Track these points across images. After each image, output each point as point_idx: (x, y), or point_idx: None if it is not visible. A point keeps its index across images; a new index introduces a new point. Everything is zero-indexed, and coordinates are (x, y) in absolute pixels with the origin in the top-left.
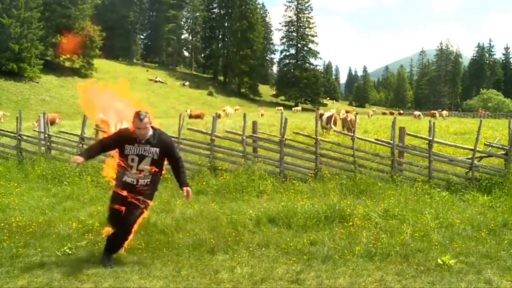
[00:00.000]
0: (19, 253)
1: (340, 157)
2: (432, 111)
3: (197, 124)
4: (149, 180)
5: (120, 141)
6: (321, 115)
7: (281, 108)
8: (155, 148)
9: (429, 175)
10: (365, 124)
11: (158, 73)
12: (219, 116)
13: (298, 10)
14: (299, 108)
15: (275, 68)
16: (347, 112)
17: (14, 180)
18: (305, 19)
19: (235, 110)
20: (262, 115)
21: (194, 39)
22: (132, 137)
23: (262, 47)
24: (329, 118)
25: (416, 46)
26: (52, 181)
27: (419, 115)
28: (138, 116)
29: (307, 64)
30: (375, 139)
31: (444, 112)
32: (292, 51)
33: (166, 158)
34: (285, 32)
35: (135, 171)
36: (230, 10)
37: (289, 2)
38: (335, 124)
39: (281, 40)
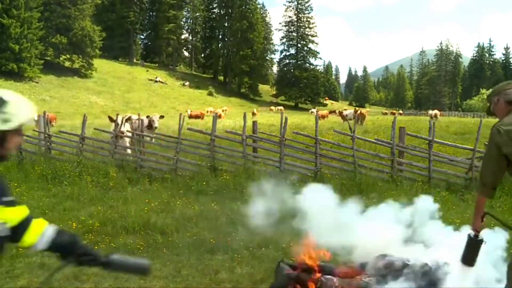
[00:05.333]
0: (19, 253)
1: (340, 157)
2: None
3: (197, 124)
4: None
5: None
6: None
7: (273, 107)
8: None
9: (429, 175)
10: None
11: (158, 73)
12: (219, 116)
13: (298, 10)
14: (281, 107)
15: (275, 68)
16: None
17: (14, 180)
18: (305, 19)
19: (223, 111)
20: (254, 114)
21: (194, 39)
22: None
23: (262, 47)
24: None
25: (416, 46)
26: (52, 181)
27: (436, 114)
28: None
29: (307, 64)
30: (375, 139)
31: (432, 112)
32: (292, 51)
33: None
34: (285, 32)
35: None
36: (230, 10)
37: (289, 2)
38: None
39: (281, 40)
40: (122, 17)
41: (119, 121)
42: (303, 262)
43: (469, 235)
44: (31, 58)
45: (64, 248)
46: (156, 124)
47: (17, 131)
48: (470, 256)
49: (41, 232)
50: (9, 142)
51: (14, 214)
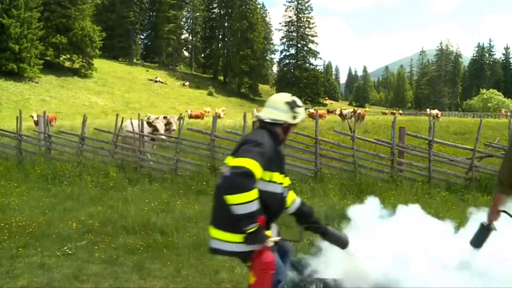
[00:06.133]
0: (19, 253)
1: (340, 157)
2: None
3: (197, 124)
4: None
5: None
6: (341, 112)
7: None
8: None
9: (429, 175)
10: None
11: (158, 73)
12: (219, 116)
13: (298, 10)
14: None
15: (275, 68)
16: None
17: (14, 180)
18: (305, 19)
19: (222, 111)
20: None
21: (194, 39)
22: None
23: (262, 47)
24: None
25: (416, 46)
26: (52, 181)
27: (437, 114)
28: None
29: (307, 64)
30: (375, 139)
31: (433, 112)
32: (292, 51)
33: None
34: (285, 32)
35: None
36: (230, 10)
37: (289, 2)
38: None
39: (281, 40)
40: (122, 17)
41: (158, 125)
42: None
43: (482, 223)
44: (31, 58)
45: (304, 215)
46: (174, 126)
47: (294, 126)
48: (478, 240)
49: (293, 199)
50: (289, 132)
51: (287, 182)
